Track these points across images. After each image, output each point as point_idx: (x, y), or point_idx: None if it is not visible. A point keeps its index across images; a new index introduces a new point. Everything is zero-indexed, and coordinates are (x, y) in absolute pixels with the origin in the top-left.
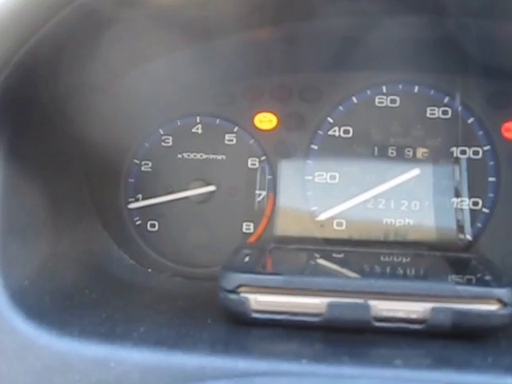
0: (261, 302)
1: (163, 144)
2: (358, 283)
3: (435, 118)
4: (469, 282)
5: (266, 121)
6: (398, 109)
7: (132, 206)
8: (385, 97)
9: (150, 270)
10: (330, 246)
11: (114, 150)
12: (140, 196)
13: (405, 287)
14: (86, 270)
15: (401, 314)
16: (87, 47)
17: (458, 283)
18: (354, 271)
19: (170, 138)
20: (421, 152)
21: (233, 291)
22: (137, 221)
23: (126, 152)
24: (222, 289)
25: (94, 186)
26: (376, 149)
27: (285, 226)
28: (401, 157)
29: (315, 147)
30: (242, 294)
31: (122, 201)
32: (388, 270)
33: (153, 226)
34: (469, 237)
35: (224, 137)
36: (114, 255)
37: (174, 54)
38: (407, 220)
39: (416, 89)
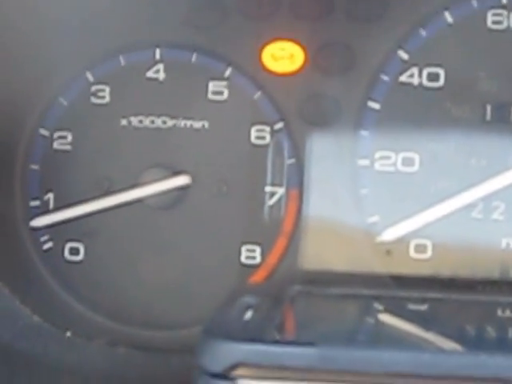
0: None
1: (94, 100)
2: (458, 361)
3: None
4: None
5: (284, 57)
6: None
7: (37, 221)
8: (505, 12)
9: (68, 333)
10: (402, 289)
11: (1, 114)
12: (50, 197)
13: None
14: None
15: None
16: None
17: None
18: (449, 338)
19: (107, 88)
20: None
21: (223, 375)
22: (45, 243)
23: (24, 116)
24: (204, 371)
25: None
26: (489, 109)
27: (320, 253)
28: None
29: (376, 106)
30: (241, 382)
31: (16, 208)
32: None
33: (74, 252)
34: None
35: (206, 87)
36: (1, 305)
37: None
38: None
39: None
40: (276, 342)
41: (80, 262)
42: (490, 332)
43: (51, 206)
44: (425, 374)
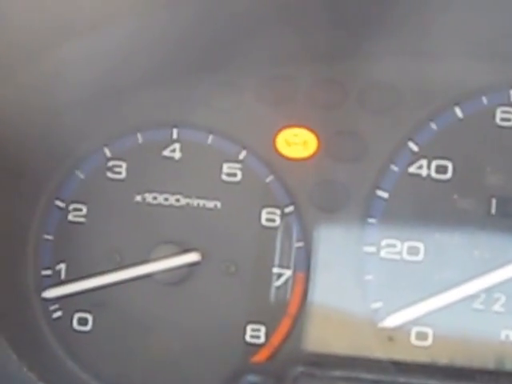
0: None
1: (110, 175)
2: None
3: None
4: None
5: (297, 143)
6: None
7: (48, 292)
8: None
9: None
10: (402, 375)
11: (19, 184)
12: (62, 268)
13: None
14: None
15: None
16: None
17: None
18: None
19: (123, 165)
20: None
21: None
22: (54, 312)
23: (41, 186)
24: None
25: None
26: (495, 202)
27: (323, 336)
28: None
29: (384, 195)
30: None
31: (29, 276)
32: None
33: (83, 322)
34: None
35: (220, 168)
36: (9, 370)
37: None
38: None
39: None
40: None
41: (87, 333)
42: None
43: (63, 276)
44: None
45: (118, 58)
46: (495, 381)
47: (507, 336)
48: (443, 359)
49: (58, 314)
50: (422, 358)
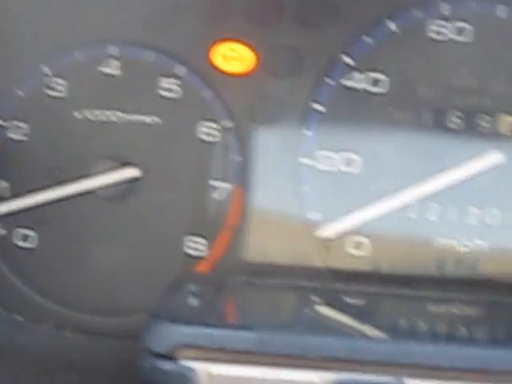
0: (217, 377)
1: (49, 92)
2: (388, 348)
3: None
4: None
5: (234, 58)
6: (468, 45)
7: None
8: (445, 23)
9: (18, 317)
10: (340, 283)
11: None
12: (4, 186)
13: (471, 358)
14: None
15: None
16: None
17: None
18: (382, 329)
19: (62, 81)
20: (507, 123)
21: (167, 356)
22: None
23: None
24: (149, 352)
25: None
26: (428, 114)
27: (262, 247)
28: (470, 130)
29: (320, 108)
30: (184, 362)
31: None
32: (441, 328)
33: (25, 238)
34: None
35: (158, 84)
36: None
37: None
38: (477, 242)
39: (503, 12)
40: (218, 326)
41: (31, 249)
42: (422, 326)
43: (4, 193)
44: (358, 359)
45: None
46: (430, 285)
47: (442, 244)
48: (380, 268)
49: (1, 231)
50: (360, 266)
